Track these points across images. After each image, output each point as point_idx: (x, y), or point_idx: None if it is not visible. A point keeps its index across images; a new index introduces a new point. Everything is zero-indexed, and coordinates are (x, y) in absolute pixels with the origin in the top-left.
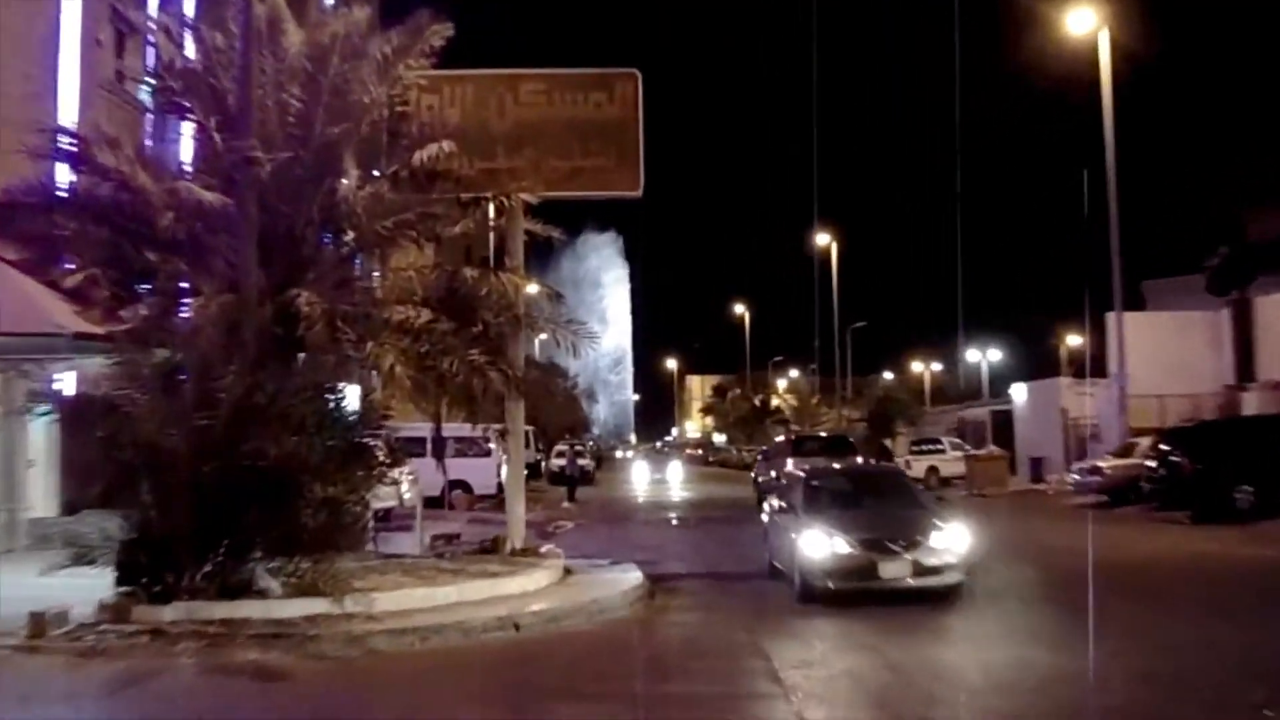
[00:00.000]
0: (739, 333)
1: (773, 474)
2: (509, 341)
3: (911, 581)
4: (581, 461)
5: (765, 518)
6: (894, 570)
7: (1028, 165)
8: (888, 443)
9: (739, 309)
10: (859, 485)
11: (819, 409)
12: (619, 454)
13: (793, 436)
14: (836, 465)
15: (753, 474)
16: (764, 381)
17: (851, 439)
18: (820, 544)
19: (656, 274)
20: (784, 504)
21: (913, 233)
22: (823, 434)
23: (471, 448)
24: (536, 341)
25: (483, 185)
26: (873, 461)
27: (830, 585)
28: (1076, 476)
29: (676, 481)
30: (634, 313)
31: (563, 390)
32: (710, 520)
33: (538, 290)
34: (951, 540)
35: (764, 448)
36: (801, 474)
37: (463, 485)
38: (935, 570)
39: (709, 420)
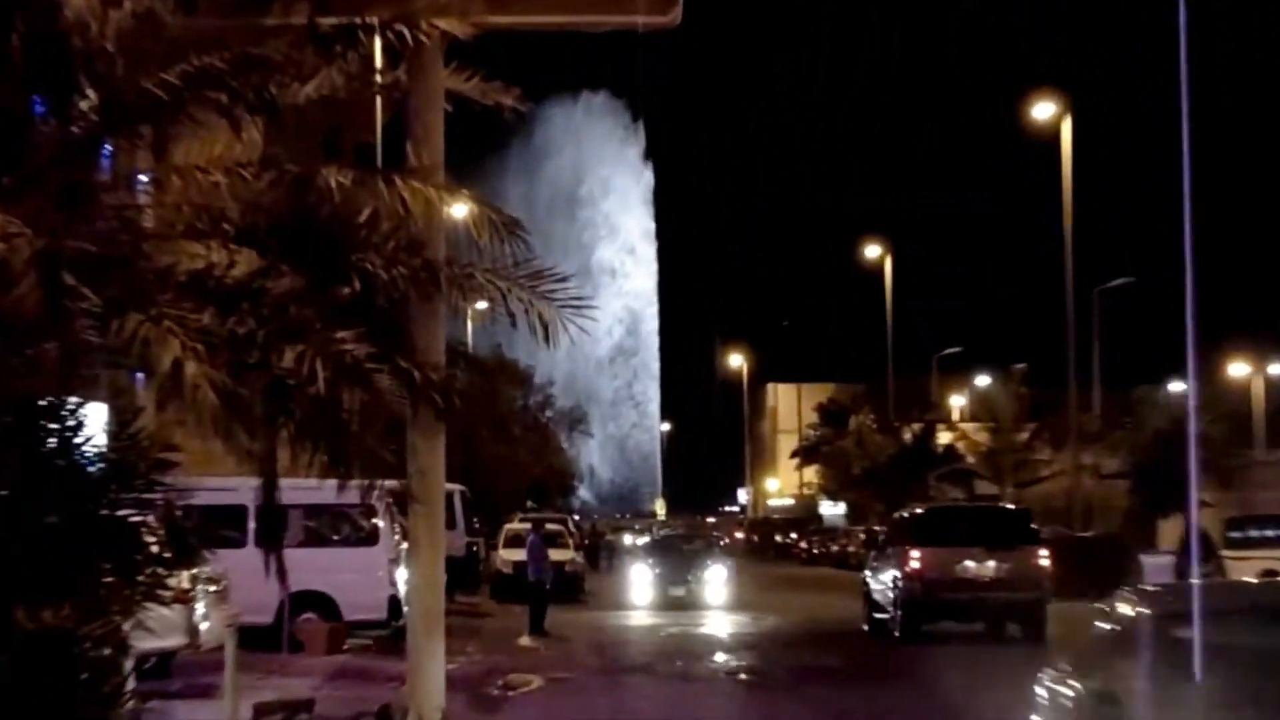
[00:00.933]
0: (868, 307)
1: (893, 579)
2: (415, 316)
3: None
4: (559, 555)
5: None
6: None
7: None
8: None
9: (870, 252)
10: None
11: (1034, 451)
12: (632, 539)
13: (922, 510)
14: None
15: (863, 574)
16: (921, 395)
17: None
18: None
19: (700, 192)
20: (1081, 686)
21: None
22: (995, 506)
23: (339, 529)
24: (469, 316)
25: (365, 2)
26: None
27: None
28: None
29: (747, 594)
30: (661, 264)
31: (524, 411)
32: (817, 677)
33: (473, 213)
34: None
35: (880, 529)
36: (1148, 615)
37: (321, 603)
38: None
39: (811, 473)
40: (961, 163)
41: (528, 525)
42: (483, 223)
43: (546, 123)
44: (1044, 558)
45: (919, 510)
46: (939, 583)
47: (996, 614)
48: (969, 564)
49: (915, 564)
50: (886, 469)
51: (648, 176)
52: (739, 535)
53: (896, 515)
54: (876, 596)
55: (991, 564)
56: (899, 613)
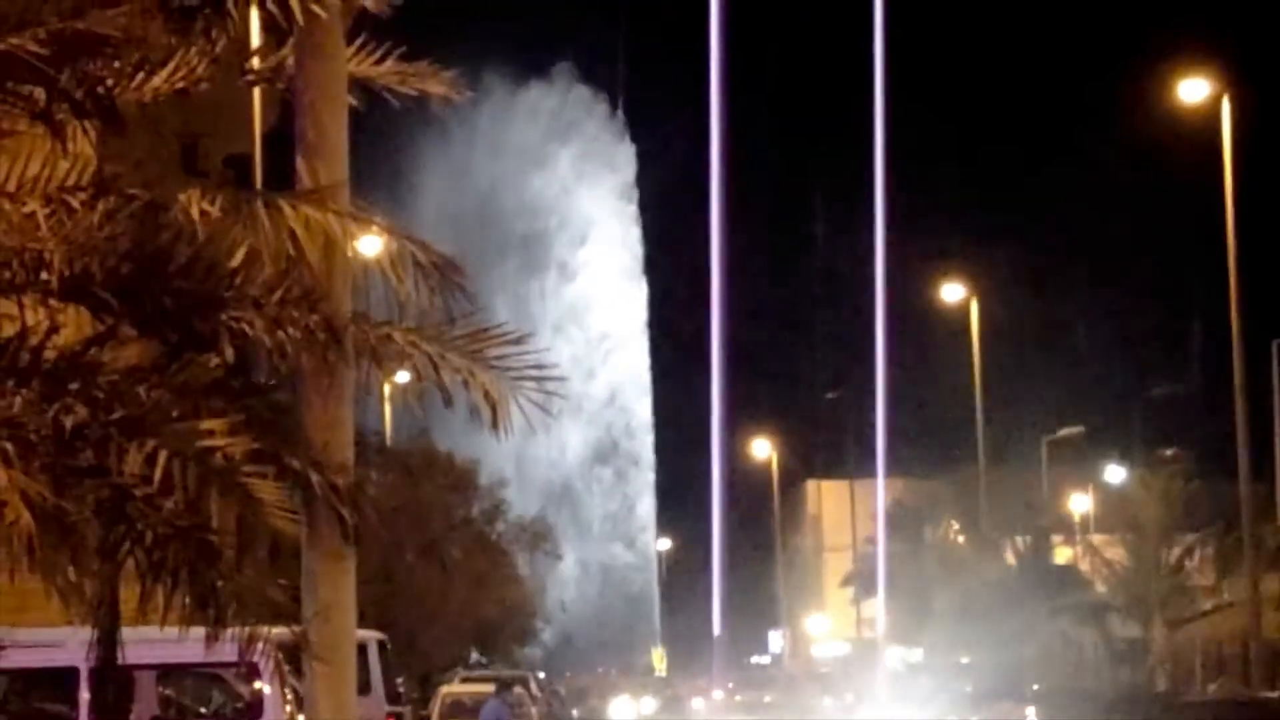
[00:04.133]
0: (947, 371)
1: None
2: (310, 396)
3: None
4: None
5: None
6: None
7: None
8: None
9: (949, 295)
10: None
11: (1192, 575)
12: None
13: None
14: None
15: None
16: (1027, 495)
17: None
18: None
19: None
20: None
21: None
22: None
23: (207, 698)
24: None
25: None
26: None
27: None
28: None
29: None
30: (653, 319)
31: (464, 526)
32: None
33: (390, 251)
34: None
35: None
36: None
37: None
38: None
39: (872, 607)
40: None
41: (476, 687)
42: (404, 264)
43: (501, 128)
44: None
45: None
46: None
47: None
48: None
49: None
50: (983, 600)
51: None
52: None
53: None
54: None
55: None
56: None
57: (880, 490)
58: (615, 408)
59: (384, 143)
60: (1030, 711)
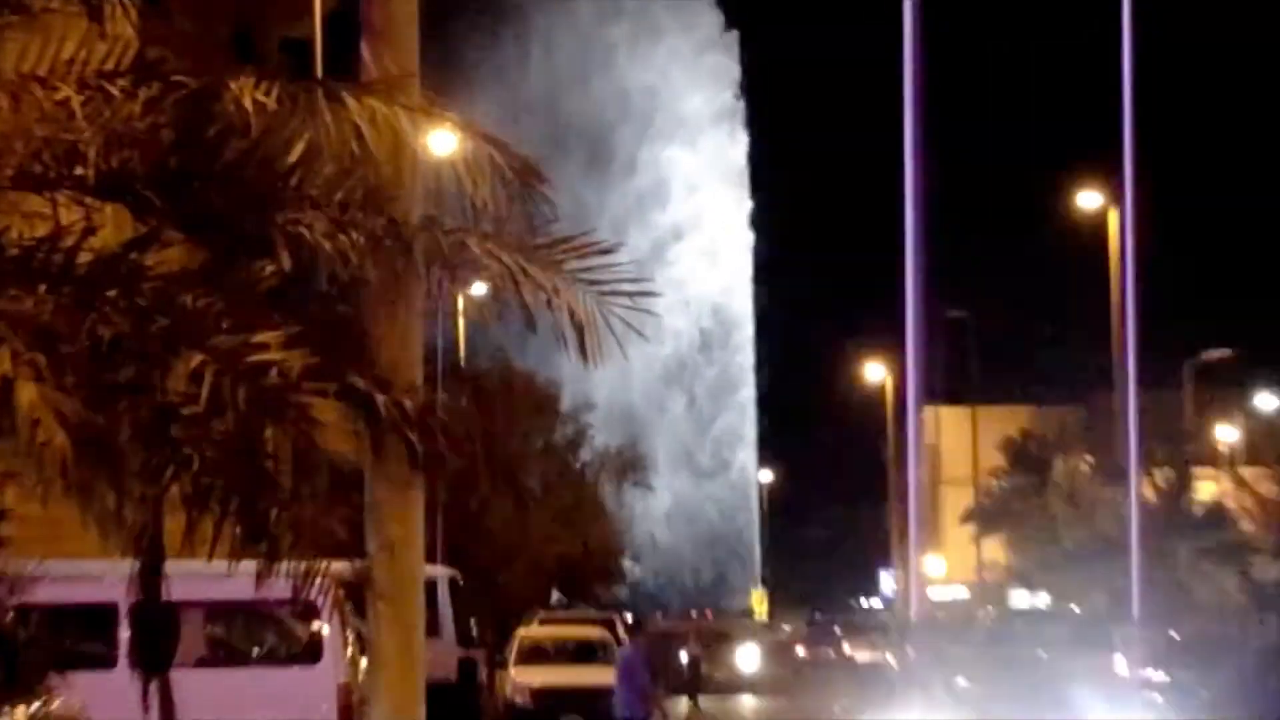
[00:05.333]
0: (1082, 286)
1: None
2: (376, 308)
3: None
4: (599, 677)
5: None
6: None
7: None
8: None
9: (1086, 202)
10: None
11: None
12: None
13: None
14: None
15: None
16: (1170, 424)
17: None
18: None
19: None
20: None
21: None
22: None
23: (261, 639)
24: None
25: None
26: None
27: None
28: None
29: None
30: (758, 219)
31: (546, 455)
32: None
33: (466, 151)
34: None
35: None
36: None
37: None
38: None
39: (995, 546)
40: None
41: (557, 630)
42: (481, 166)
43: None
44: None
45: None
46: None
47: None
48: None
49: None
50: (1118, 541)
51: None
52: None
53: None
54: None
55: None
56: None
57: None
58: (707, 325)
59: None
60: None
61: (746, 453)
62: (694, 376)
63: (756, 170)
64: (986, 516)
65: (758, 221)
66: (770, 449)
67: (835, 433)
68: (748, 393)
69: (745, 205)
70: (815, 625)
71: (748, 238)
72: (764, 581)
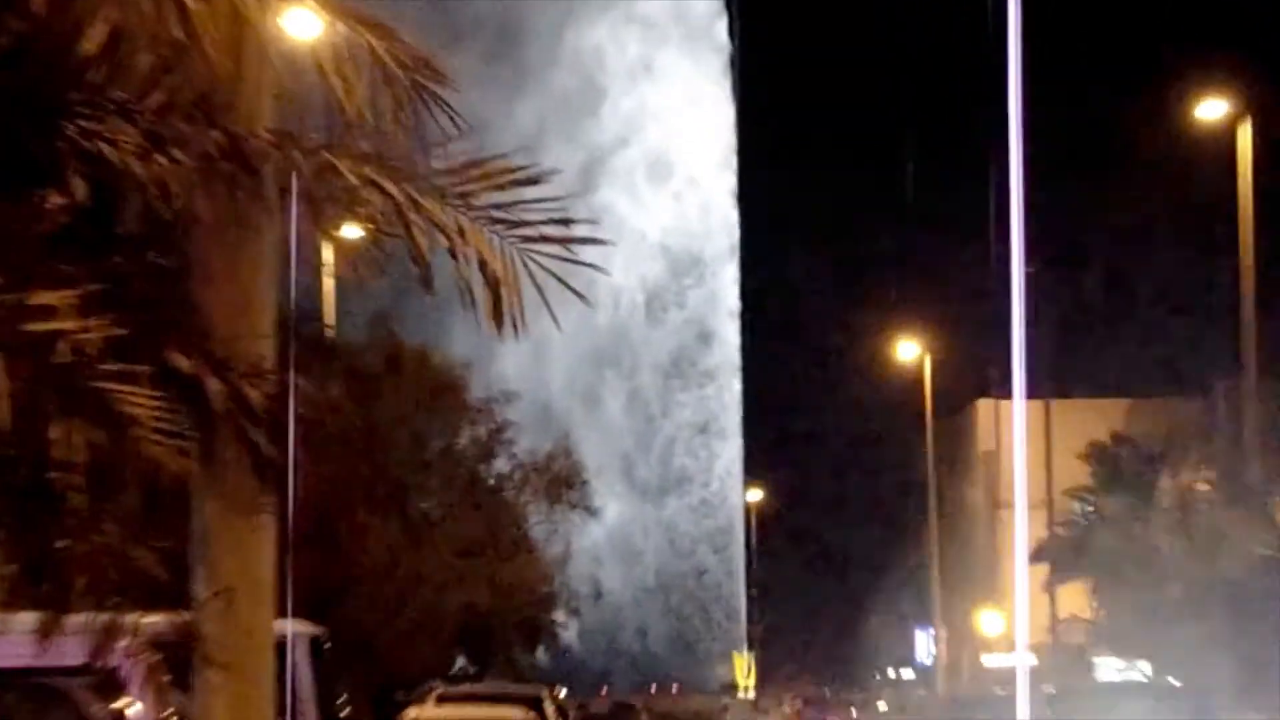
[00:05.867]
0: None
1: None
2: (210, 257)
3: None
4: None
5: None
6: None
7: None
8: None
9: (1207, 111)
10: None
11: None
12: None
13: None
14: None
15: None
16: None
17: None
18: None
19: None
20: None
21: None
22: None
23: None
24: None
25: None
26: None
27: None
28: None
29: None
30: (744, 128)
31: (449, 464)
32: None
33: (338, 41)
34: None
35: None
36: None
37: None
38: None
39: (1075, 594)
40: None
41: (461, 711)
42: (358, 60)
43: None
44: None
45: None
46: None
47: None
48: None
49: None
50: (1248, 587)
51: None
52: None
53: None
54: None
55: None
56: None
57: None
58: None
59: None
60: None
61: (726, 459)
62: (638, 353)
63: (745, 59)
64: (1064, 554)
65: (745, 133)
66: (760, 456)
67: (848, 433)
68: (725, 373)
69: (724, 104)
70: (821, 705)
71: (724, 149)
72: (752, 643)
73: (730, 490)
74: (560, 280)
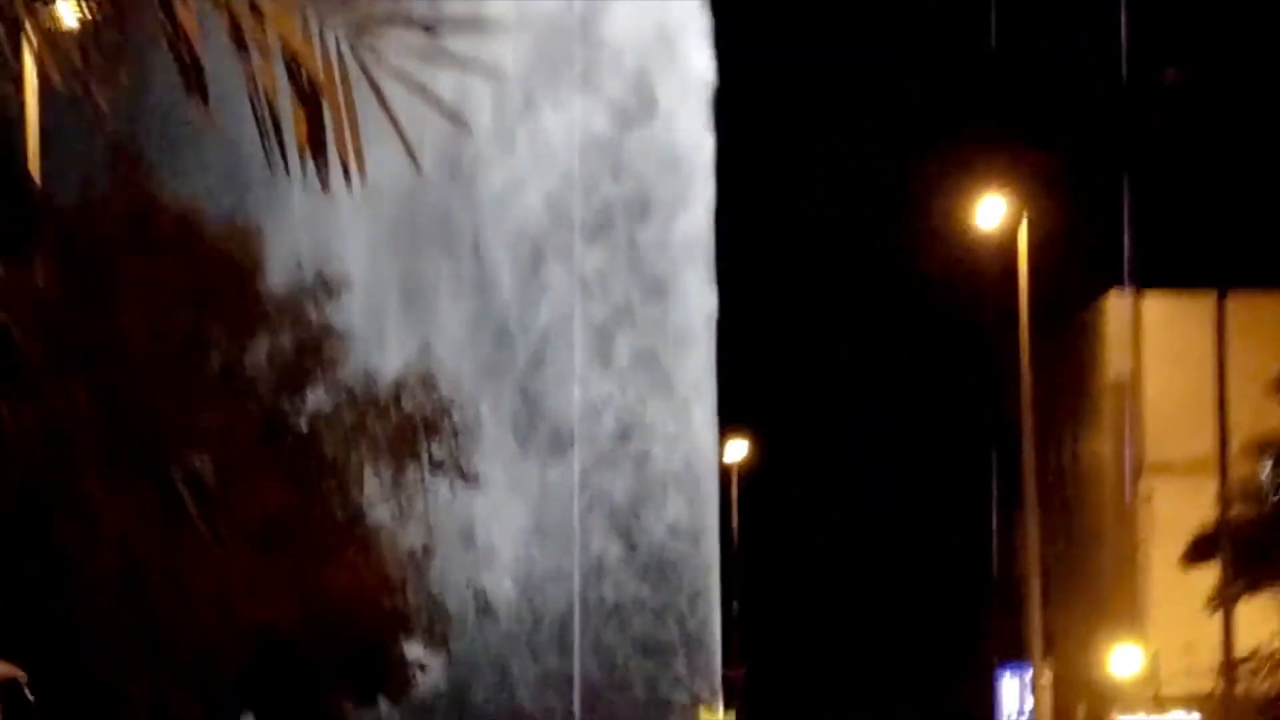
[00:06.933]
0: None
1: None
2: None
3: None
4: None
5: None
6: None
7: None
8: None
9: None
10: None
11: None
12: None
13: None
14: None
15: None
16: None
17: None
18: None
19: None
20: None
21: None
22: None
23: None
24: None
25: None
26: None
27: None
28: None
29: None
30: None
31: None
32: None
33: None
34: None
35: None
36: None
37: None
38: None
39: (1261, 611)
40: None
41: None
42: None
43: None
44: None
45: None
46: None
47: None
48: None
49: None
50: None
51: None
52: None
53: None
54: None
55: None
56: None
57: None
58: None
59: None
60: None
61: (686, 391)
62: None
63: None
64: (1248, 546)
65: None
66: (743, 391)
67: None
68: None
69: None
70: None
71: None
72: (731, 693)
73: (699, 443)
74: (418, 89)
